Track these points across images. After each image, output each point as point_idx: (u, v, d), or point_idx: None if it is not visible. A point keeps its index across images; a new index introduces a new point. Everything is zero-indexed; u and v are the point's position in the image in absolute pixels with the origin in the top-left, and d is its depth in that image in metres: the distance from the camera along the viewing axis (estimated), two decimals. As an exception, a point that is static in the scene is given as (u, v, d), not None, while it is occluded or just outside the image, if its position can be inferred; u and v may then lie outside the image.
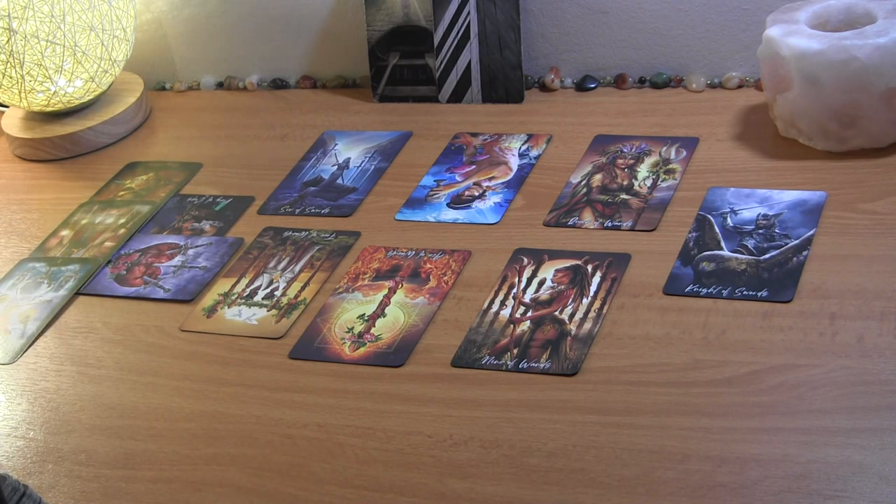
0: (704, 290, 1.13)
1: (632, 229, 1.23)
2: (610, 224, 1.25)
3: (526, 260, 1.21)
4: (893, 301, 1.07)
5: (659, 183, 1.30)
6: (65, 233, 1.41)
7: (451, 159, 1.41)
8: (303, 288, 1.24)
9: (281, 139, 1.53)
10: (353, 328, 1.17)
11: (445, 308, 1.17)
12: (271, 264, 1.28)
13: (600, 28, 1.50)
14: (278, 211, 1.38)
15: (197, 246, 1.34)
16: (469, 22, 1.49)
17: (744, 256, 1.16)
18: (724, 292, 1.12)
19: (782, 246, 1.16)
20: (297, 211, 1.37)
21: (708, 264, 1.16)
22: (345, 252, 1.28)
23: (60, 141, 1.57)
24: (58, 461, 1.07)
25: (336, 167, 1.44)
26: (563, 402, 1.04)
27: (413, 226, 1.31)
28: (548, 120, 1.46)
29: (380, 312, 1.18)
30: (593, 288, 1.16)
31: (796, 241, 1.17)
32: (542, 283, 1.18)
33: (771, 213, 1.21)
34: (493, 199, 1.33)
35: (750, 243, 1.17)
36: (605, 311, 1.13)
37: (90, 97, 1.59)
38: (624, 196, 1.28)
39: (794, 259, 1.14)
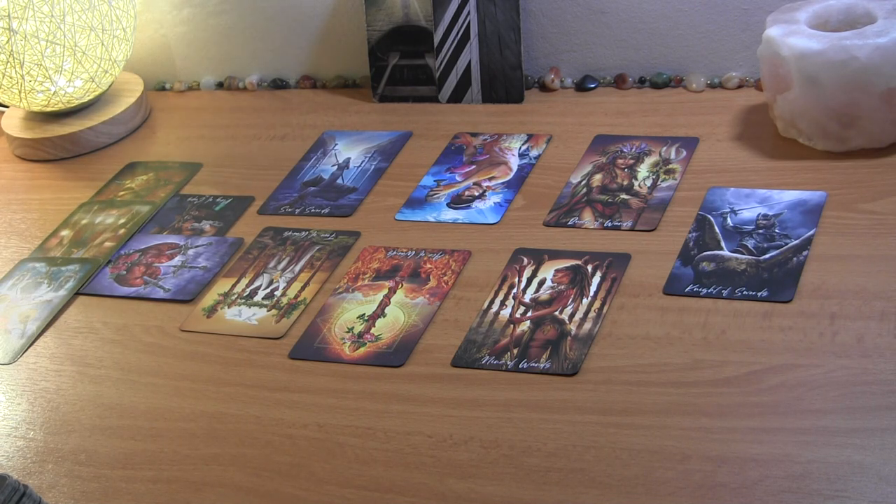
0: (704, 290, 1.13)
1: (632, 229, 1.24)
2: (610, 224, 1.25)
3: (526, 260, 1.21)
4: (893, 301, 1.07)
5: (659, 183, 1.30)
6: (65, 233, 1.41)
7: (451, 159, 1.41)
8: (303, 288, 1.24)
9: (281, 139, 1.53)
10: (353, 328, 1.17)
11: (445, 308, 1.17)
12: (271, 264, 1.28)
13: (600, 28, 1.50)
14: (278, 211, 1.38)
15: (197, 246, 1.34)
16: (469, 22, 1.49)
17: (744, 256, 1.16)
18: (724, 292, 1.12)
19: (782, 246, 1.16)
20: (297, 211, 1.37)
21: (708, 264, 1.16)
22: (345, 252, 1.28)
23: (60, 141, 1.57)
24: (58, 461, 1.07)
25: (336, 167, 1.44)
26: (563, 402, 1.04)
27: (413, 226, 1.31)
28: (548, 120, 1.46)
29: (380, 312, 1.18)
30: (593, 288, 1.16)
31: (796, 241, 1.17)
32: (542, 283, 1.18)
33: (771, 213, 1.21)
34: (493, 199, 1.33)
35: (750, 243, 1.17)
36: (605, 311, 1.13)
37: (90, 97, 1.59)
38: (624, 196, 1.28)
39: (794, 259, 1.14)
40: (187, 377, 1.15)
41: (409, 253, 1.26)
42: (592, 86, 1.51)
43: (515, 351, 1.10)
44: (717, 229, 1.20)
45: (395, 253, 1.26)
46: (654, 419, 1.00)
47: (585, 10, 1.50)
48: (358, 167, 1.43)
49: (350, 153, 1.47)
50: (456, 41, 1.51)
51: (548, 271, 1.19)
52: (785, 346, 1.05)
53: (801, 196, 1.23)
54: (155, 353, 1.19)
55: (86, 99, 1.59)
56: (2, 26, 1.48)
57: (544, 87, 1.53)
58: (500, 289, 1.18)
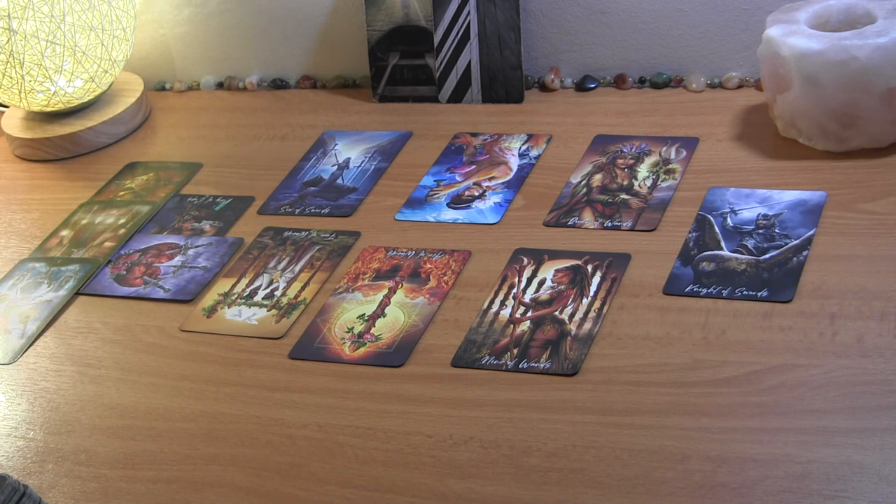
0: (704, 290, 1.13)
1: (632, 229, 1.24)
2: (610, 224, 1.25)
3: (526, 260, 1.21)
4: (893, 301, 1.07)
5: (659, 183, 1.30)
6: (65, 233, 1.41)
7: (451, 159, 1.41)
8: (303, 288, 1.24)
9: (281, 139, 1.53)
10: (353, 328, 1.17)
11: (445, 308, 1.17)
12: (271, 264, 1.28)
13: (600, 28, 1.50)
14: (278, 211, 1.38)
15: (197, 246, 1.34)
16: (469, 22, 1.49)
17: (744, 256, 1.16)
18: (724, 292, 1.12)
19: (782, 246, 1.16)
20: (297, 211, 1.37)
21: (708, 264, 1.16)
22: (345, 252, 1.28)
23: (60, 141, 1.57)
24: (58, 461, 1.07)
25: (336, 167, 1.44)
26: (563, 402, 1.04)
27: (413, 226, 1.31)
28: (548, 120, 1.46)
29: (380, 312, 1.18)
30: (593, 288, 1.16)
31: (796, 241, 1.17)
32: (542, 283, 1.18)
33: (771, 213, 1.21)
34: (493, 199, 1.33)
35: (750, 243, 1.17)
36: (605, 311, 1.13)
37: (90, 97, 1.59)
38: (624, 196, 1.28)
39: (794, 259, 1.14)
40: (187, 377, 1.15)
41: (409, 253, 1.26)
42: (592, 86, 1.51)
43: (515, 351, 1.10)
44: (717, 229, 1.20)
45: (395, 253, 1.26)
46: (654, 419, 1.00)
47: (585, 10, 1.50)
48: (358, 167, 1.43)
49: (350, 153, 1.47)
50: (456, 41, 1.51)
51: (548, 271, 1.19)
52: (785, 346, 1.05)
53: (801, 196, 1.23)
54: (155, 353, 1.19)
55: (86, 99, 1.59)
56: (2, 26, 1.48)
57: (544, 87, 1.53)
58: (500, 289, 1.18)
